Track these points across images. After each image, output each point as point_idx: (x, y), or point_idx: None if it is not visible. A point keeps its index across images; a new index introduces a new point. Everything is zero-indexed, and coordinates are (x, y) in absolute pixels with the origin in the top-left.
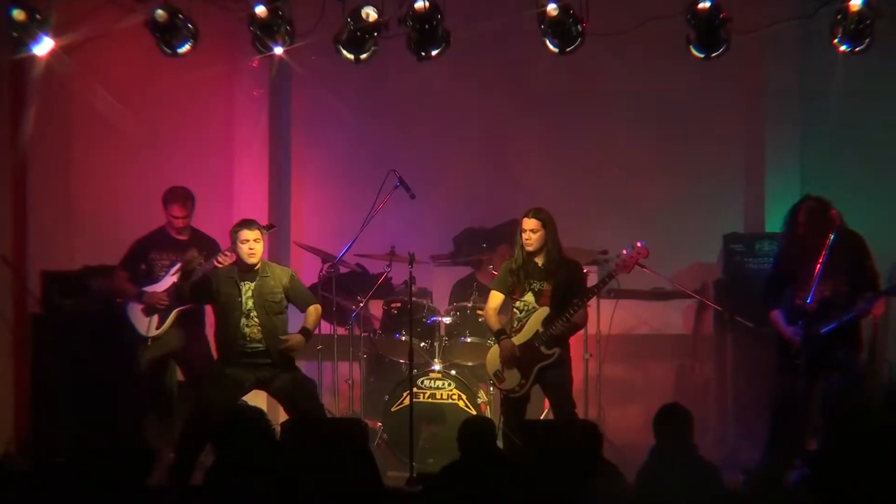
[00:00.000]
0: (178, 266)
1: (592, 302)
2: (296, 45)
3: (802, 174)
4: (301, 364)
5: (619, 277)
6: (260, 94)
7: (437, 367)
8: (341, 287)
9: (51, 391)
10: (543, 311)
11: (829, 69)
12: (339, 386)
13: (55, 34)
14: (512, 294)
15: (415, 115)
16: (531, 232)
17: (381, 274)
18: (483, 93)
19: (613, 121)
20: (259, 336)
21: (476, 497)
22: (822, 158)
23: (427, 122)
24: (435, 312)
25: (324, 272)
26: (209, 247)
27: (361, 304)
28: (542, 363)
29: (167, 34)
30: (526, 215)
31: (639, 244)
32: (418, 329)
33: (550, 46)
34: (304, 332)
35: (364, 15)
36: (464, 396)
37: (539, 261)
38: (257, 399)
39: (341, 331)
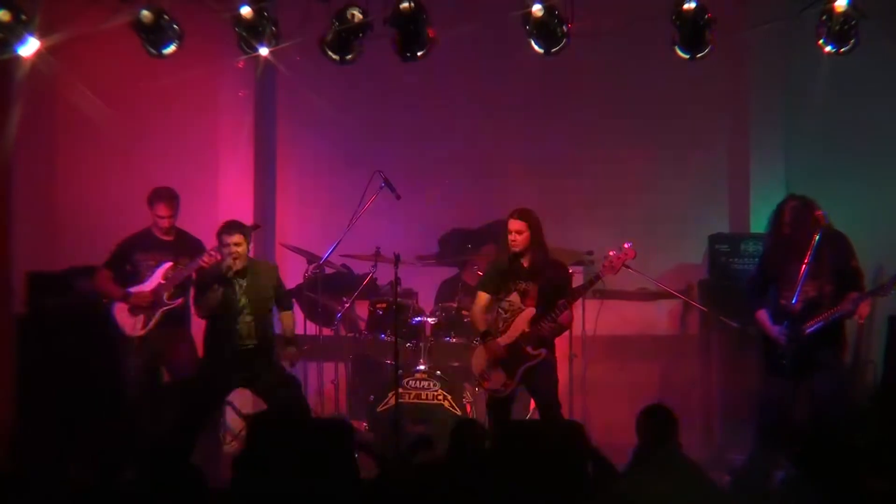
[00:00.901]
0: (165, 266)
1: (578, 302)
2: (281, 45)
3: (787, 175)
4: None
5: (605, 278)
6: (245, 95)
7: (422, 367)
8: (326, 288)
9: (35, 392)
10: (529, 312)
11: (813, 70)
12: (325, 386)
13: (40, 35)
14: (498, 294)
15: (400, 115)
16: (517, 233)
17: (367, 275)
18: (468, 94)
19: (598, 122)
20: (252, 333)
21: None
22: (807, 160)
23: (412, 122)
24: (420, 313)
25: (309, 273)
26: (194, 247)
27: (347, 305)
28: (527, 364)
29: (152, 35)
30: (511, 216)
31: (626, 245)
32: (404, 329)
33: (536, 47)
34: (294, 342)
35: (349, 16)
36: (449, 397)
37: (525, 261)
38: (243, 398)
39: (326, 331)
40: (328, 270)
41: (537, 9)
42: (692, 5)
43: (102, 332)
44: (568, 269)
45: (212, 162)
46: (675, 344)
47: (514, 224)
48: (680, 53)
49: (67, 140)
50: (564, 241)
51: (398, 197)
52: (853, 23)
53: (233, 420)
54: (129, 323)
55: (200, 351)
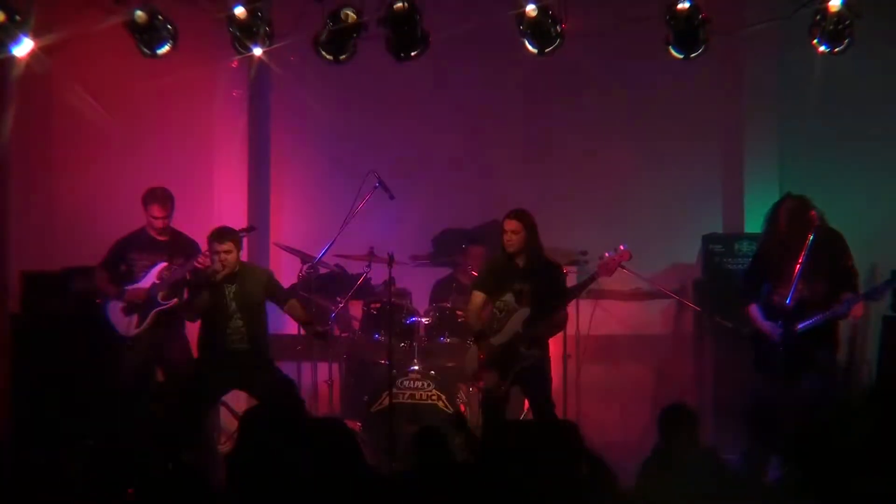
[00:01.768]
0: (159, 267)
1: (572, 302)
2: (275, 46)
3: (781, 175)
4: (280, 365)
5: (600, 279)
6: (239, 95)
7: (416, 367)
8: (321, 288)
9: (30, 391)
10: (524, 312)
11: (808, 70)
12: (319, 387)
13: (35, 35)
14: (492, 294)
15: (394, 115)
16: (512, 233)
17: (361, 275)
18: (462, 93)
19: (592, 122)
20: (243, 337)
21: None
22: (801, 160)
23: (406, 122)
24: (414, 313)
25: (303, 273)
26: (189, 247)
27: (341, 305)
28: (521, 364)
29: (146, 35)
30: (507, 217)
31: (622, 247)
32: (398, 329)
33: (530, 47)
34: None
35: (343, 16)
36: (443, 397)
37: (520, 262)
38: (237, 400)
39: None
40: (322, 270)
41: (531, 9)
42: (686, 5)
43: (97, 332)
44: (563, 270)
45: (206, 162)
46: (669, 344)
47: (510, 224)
48: (674, 53)
49: (62, 140)
50: (559, 242)
51: (392, 197)
52: (847, 23)
53: (228, 421)
54: (123, 322)
55: (195, 351)
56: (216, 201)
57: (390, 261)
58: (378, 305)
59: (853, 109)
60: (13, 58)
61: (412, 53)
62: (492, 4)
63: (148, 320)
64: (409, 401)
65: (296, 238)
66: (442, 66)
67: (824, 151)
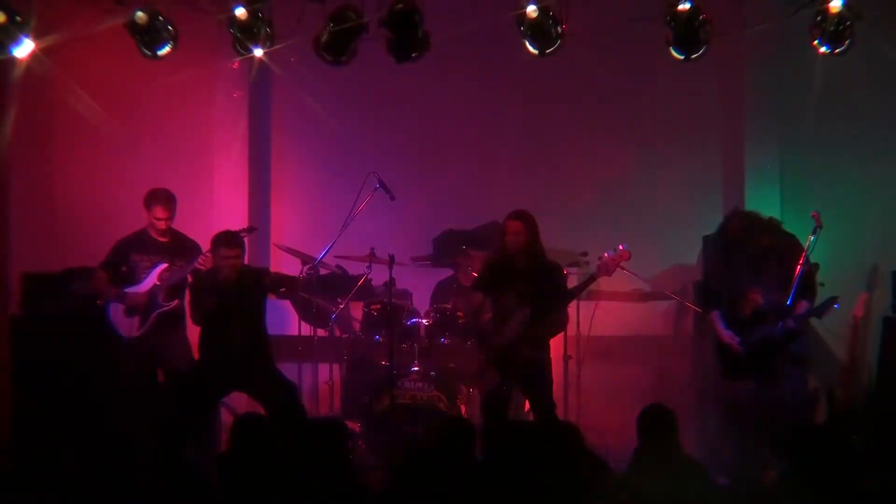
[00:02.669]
0: (160, 268)
1: (573, 303)
2: (275, 47)
3: (781, 176)
4: (281, 366)
5: (600, 279)
6: (240, 96)
7: (417, 368)
8: (321, 289)
9: (31, 392)
10: (524, 313)
11: (808, 71)
12: (320, 388)
13: (35, 36)
14: (493, 295)
15: (394, 116)
16: (515, 234)
17: (361, 276)
18: (463, 94)
19: (593, 122)
20: (244, 338)
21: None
22: (801, 161)
23: (407, 123)
24: (415, 314)
25: (304, 274)
26: (190, 249)
27: (341, 306)
28: (522, 364)
29: (147, 36)
30: (509, 218)
31: (621, 247)
32: (398, 330)
33: (530, 48)
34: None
35: (344, 17)
36: (444, 398)
37: (520, 262)
38: (238, 401)
39: (321, 332)
40: (323, 271)
41: (532, 10)
42: (687, 6)
43: (98, 334)
44: (563, 270)
45: (206, 163)
46: (669, 345)
47: (513, 226)
48: (675, 54)
49: (63, 141)
50: (559, 243)
51: (393, 198)
52: (848, 23)
53: (228, 421)
54: (125, 324)
55: (196, 352)
56: (217, 202)
57: (391, 262)
58: (379, 306)
59: (854, 110)
60: (14, 59)
61: (413, 55)
62: (492, 5)
63: (149, 322)
64: (410, 401)
65: (296, 239)
66: (443, 67)
67: (825, 152)
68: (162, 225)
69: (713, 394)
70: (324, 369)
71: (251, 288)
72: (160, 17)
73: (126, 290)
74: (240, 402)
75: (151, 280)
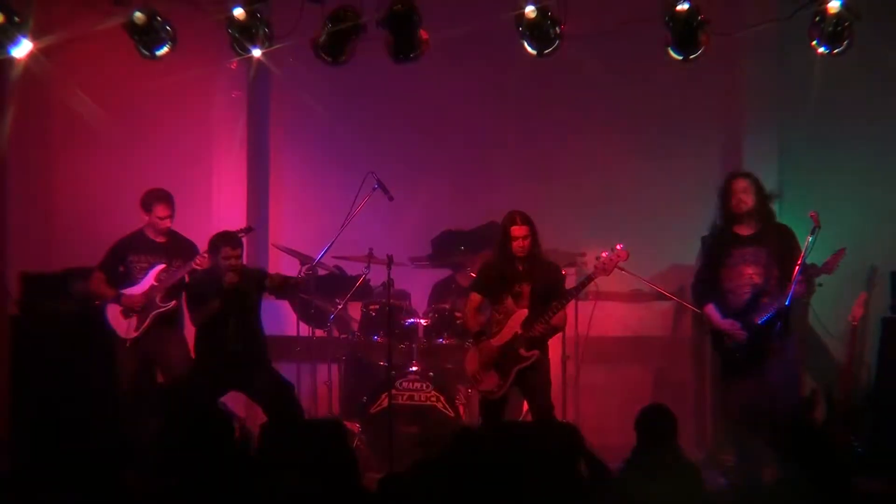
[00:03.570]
0: (157, 268)
1: (571, 303)
2: (274, 47)
3: (780, 176)
4: (279, 366)
5: (598, 279)
6: (238, 96)
7: (415, 368)
8: (319, 289)
9: (29, 393)
10: (522, 313)
11: (807, 72)
12: (318, 388)
13: (34, 37)
14: (491, 296)
15: (393, 117)
16: (523, 238)
17: (360, 276)
18: (461, 95)
19: (592, 123)
20: (241, 339)
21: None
22: (800, 161)
23: (405, 124)
24: (413, 314)
25: (302, 274)
26: (187, 249)
27: (340, 307)
28: (520, 365)
29: (145, 36)
30: (514, 223)
31: (618, 247)
32: (397, 331)
33: (529, 48)
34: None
35: (342, 17)
36: (442, 398)
37: (519, 263)
38: (235, 401)
39: (319, 333)
40: (321, 272)
41: (530, 10)
42: (685, 6)
43: (96, 334)
44: (561, 271)
45: (205, 163)
46: (667, 345)
47: (521, 230)
48: (673, 55)
49: (61, 142)
50: (557, 243)
51: (391, 198)
52: (846, 24)
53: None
54: (123, 325)
55: (192, 353)
56: (215, 202)
57: (389, 262)
58: (377, 307)
59: (852, 111)
60: (12, 59)
61: (411, 55)
62: (491, 6)
63: (147, 322)
64: (408, 402)
65: (295, 239)
66: (441, 67)
67: (823, 153)
68: (164, 224)
69: (712, 394)
70: (322, 370)
71: (251, 289)
72: (158, 18)
73: (124, 290)
74: (237, 402)
75: (149, 281)
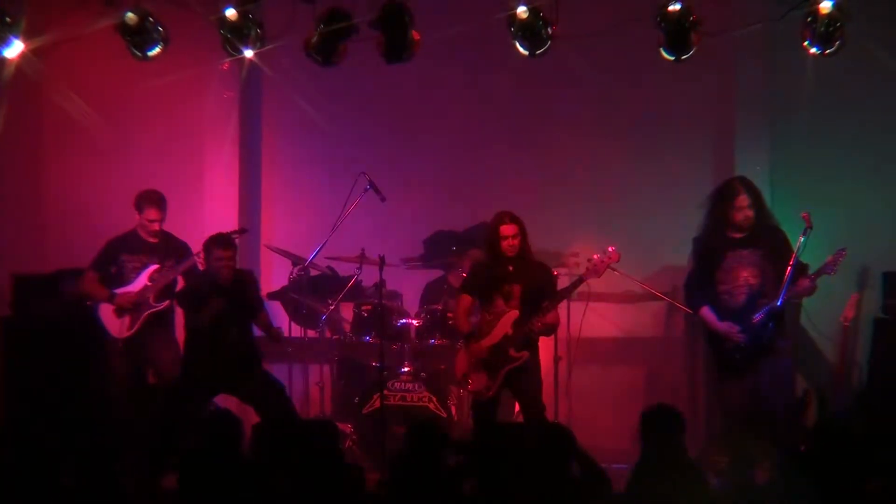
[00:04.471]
0: (150, 269)
1: (563, 304)
2: (266, 48)
3: (772, 176)
4: (271, 367)
5: (590, 281)
6: (230, 97)
7: (407, 369)
8: (311, 290)
9: (22, 393)
10: (513, 314)
11: (799, 72)
12: (310, 389)
13: (25, 37)
14: (481, 296)
15: (385, 118)
16: (512, 238)
17: (352, 277)
18: (453, 95)
19: (583, 123)
20: (233, 341)
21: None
22: (792, 161)
23: (397, 125)
24: (405, 315)
25: (294, 275)
26: (180, 249)
27: (332, 307)
28: (511, 366)
29: (137, 37)
30: (503, 222)
31: (610, 249)
32: (389, 332)
33: (520, 49)
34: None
35: (334, 18)
36: (434, 399)
37: (510, 264)
38: (227, 403)
39: (311, 334)
40: (313, 272)
41: (522, 11)
42: (677, 7)
43: (88, 334)
44: (552, 272)
45: (197, 163)
46: (660, 346)
47: (510, 229)
48: (665, 55)
49: (52, 142)
50: (550, 244)
51: (383, 199)
52: (838, 24)
53: None
54: (115, 325)
55: (183, 354)
56: (207, 203)
57: (381, 263)
58: (369, 307)
59: (845, 111)
60: (3, 60)
61: (403, 56)
62: (483, 7)
63: (139, 322)
64: (400, 402)
65: (287, 240)
66: (433, 68)
67: (815, 153)
68: (155, 227)
69: (704, 394)
70: (314, 370)
71: (241, 289)
72: (150, 19)
73: (116, 290)
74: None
75: (142, 281)
